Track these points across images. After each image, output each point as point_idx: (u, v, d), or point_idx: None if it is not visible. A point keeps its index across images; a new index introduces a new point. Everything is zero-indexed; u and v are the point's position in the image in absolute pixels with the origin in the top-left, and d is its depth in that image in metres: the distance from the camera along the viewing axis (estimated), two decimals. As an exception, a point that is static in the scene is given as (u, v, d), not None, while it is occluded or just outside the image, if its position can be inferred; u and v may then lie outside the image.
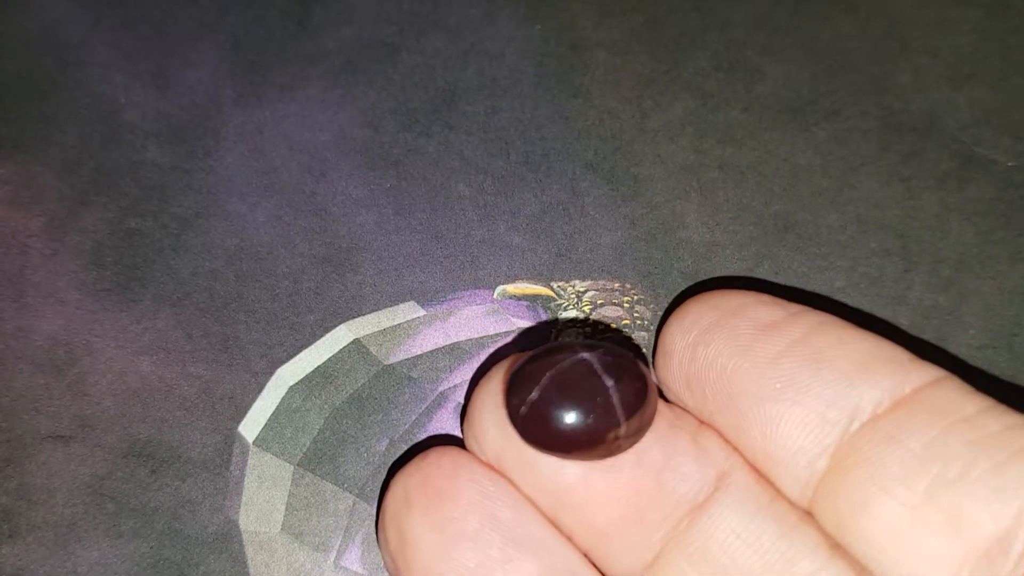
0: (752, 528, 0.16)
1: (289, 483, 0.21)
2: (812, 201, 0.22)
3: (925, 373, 0.16)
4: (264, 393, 0.21)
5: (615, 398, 0.15)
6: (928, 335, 0.21)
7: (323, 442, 0.21)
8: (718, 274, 0.22)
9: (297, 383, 0.21)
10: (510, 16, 0.24)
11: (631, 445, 0.16)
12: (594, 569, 0.16)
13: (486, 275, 0.22)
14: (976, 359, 0.21)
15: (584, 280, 0.22)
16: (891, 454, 0.15)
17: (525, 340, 0.21)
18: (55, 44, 0.24)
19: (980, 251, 0.22)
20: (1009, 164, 0.22)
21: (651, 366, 0.19)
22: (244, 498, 0.21)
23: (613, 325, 0.22)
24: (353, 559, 0.20)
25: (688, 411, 0.17)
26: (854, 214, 0.22)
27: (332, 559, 0.20)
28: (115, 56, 0.24)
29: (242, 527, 0.20)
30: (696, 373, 0.17)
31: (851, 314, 0.21)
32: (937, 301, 0.21)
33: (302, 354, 0.22)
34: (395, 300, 0.22)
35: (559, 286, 0.22)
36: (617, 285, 0.22)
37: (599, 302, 0.22)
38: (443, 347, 0.22)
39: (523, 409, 0.15)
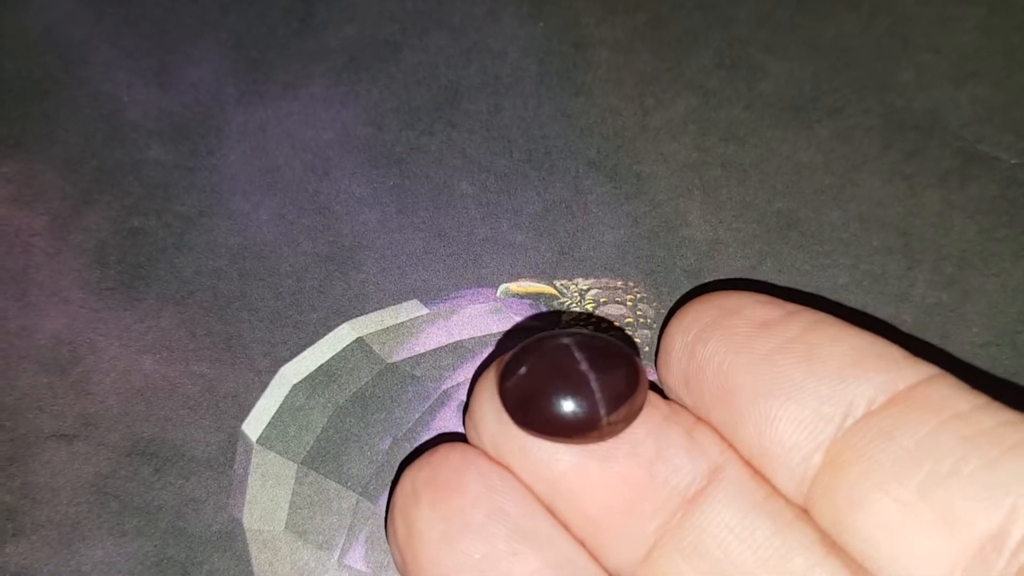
0: (746, 523, 0.16)
1: (293, 481, 0.21)
2: (815, 199, 0.22)
3: (919, 370, 0.16)
4: (267, 391, 0.21)
5: (601, 381, 0.15)
6: (931, 332, 0.21)
7: (326, 440, 0.21)
8: (721, 272, 0.22)
9: (300, 381, 0.21)
10: (513, 14, 0.24)
11: (622, 429, 0.16)
12: (596, 563, 0.17)
13: (489, 273, 0.22)
14: (979, 356, 0.21)
15: (587, 278, 0.22)
16: (884, 451, 0.15)
17: (527, 336, 0.21)
18: (57, 43, 0.24)
19: (983, 248, 0.22)
20: (1012, 162, 0.22)
21: (654, 364, 0.19)
22: (248, 496, 0.21)
23: (616, 323, 0.22)
24: (357, 557, 0.20)
25: (686, 408, 0.17)
26: (856, 212, 0.22)
27: (336, 557, 0.20)
28: (117, 54, 0.24)
29: (246, 525, 0.21)
30: (694, 371, 0.17)
31: (851, 313, 0.21)
32: (940, 298, 0.21)
33: (305, 352, 0.22)
34: (398, 298, 0.22)
35: (562, 284, 0.22)
36: (620, 283, 0.22)
37: (602, 300, 0.22)
38: (446, 345, 0.22)
39: (510, 387, 0.16)
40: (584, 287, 0.22)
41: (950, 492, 0.14)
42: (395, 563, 0.17)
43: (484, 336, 0.22)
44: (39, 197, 0.23)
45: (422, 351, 0.22)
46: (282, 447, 0.21)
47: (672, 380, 0.17)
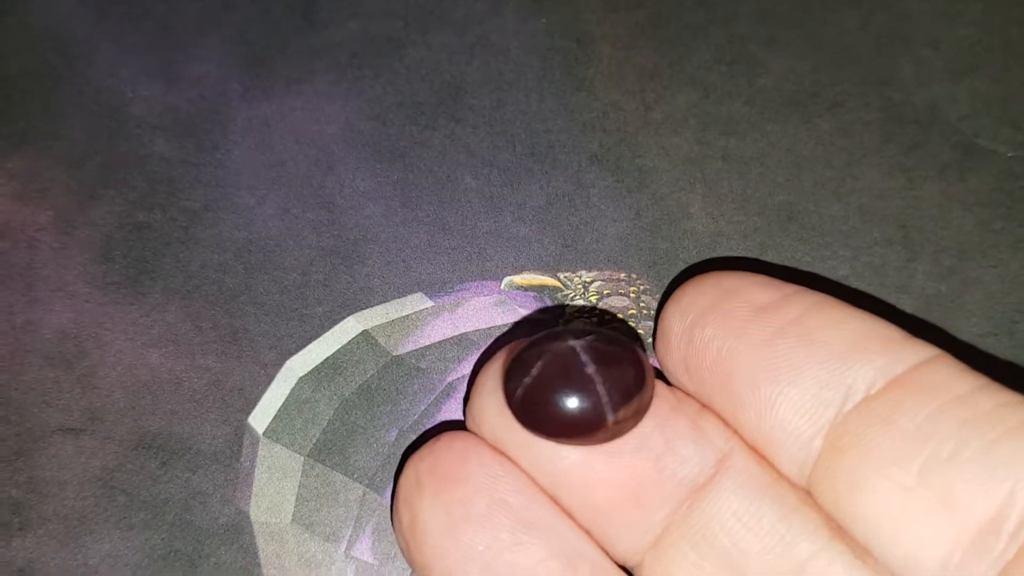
0: (752, 510, 0.16)
1: (299, 474, 0.21)
2: (815, 192, 0.23)
3: (919, 351, 0.16)
4: (274, 385, 0.21)
5: (608, 384, 0.15)
6: (927, 333, 0.21)
7: (333, 433, 0.21)
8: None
9: (306, 374, 0.21)
10: (515, 10, 0.24)
11: (629, 429, 0.16)
12: (602, 551, 0.17)
13: (493, 266, 0.22)
14: (978, 346, 0.21)
15: (590, 270, 0.22)
16: (884, 435, 0.15)
17: (531, 328, 0.22)
18: (61, 39, 0.24)
19: (981, 240, 0.22)
20: (1009, 155, 0.23)
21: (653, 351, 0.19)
22: (254, 489, 0.21)
23: (620, 315, 0.22)
24: (364, 549, 0.20)
25: (688, 394, 0.17)
26: (857, 204, 0.22)
27: (343, 549, 0.20)
28: (121, 51, 0.24)
29: (253, 518, 0.21)
30: (693, 356, 0.17)
31: (851, 294, 0.22)
32: (939, 289, 0.22)
33: (311, 345, 0.22)
34: (403, 291, 0.22)
35: (566, 277, 0.22)
36: (623, 275, 0.22)
37: (605, 292, 0.22)
38: (451, 338, 0.22)
39: (518, 393, 0.15)
40: (588, 279, 0.22)
41: (950, 476, 0.14)
42: (401, 551, 0.17)
43: (489, 328, 0.22)
44: (44, 193, 0.23)
45: (427, 343, 0.22)
46: (288, 440, 0.21)
47: (671, 364, 0.17)
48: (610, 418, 0.15)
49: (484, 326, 0.22)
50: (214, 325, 0.22)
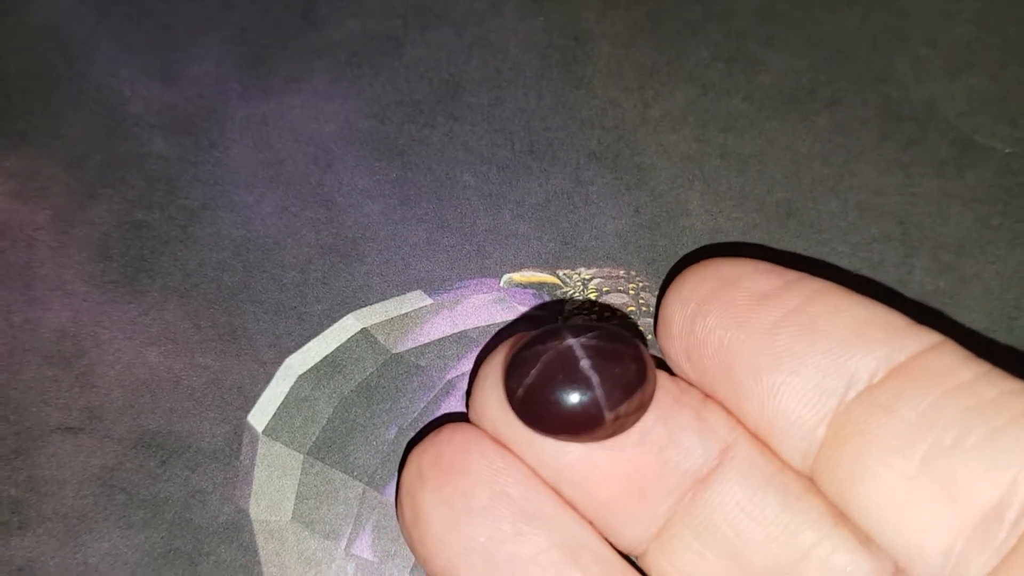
0: (756, 500, 0.16)
1: (299, 472, 0.21)
2: (813, 189, 0.23)
3: (922, 338, 0.16)
4: (273, 383, 0.21)
5: (606, 382, 0.15)
6: (929, 318, 0.21)
7: (332, 431, 0.21)
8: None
9: (306, 372, 0.21)
10: (514, 8, 0.24)
11: (631, 425, 0.16)
12: (605, 542, 0.17)
13: (492, 263, 0.22)
14: (977, 342, 0.21)
15: (590, 268, 0.22)
16: (886, 424, 0.15)
17: (532, 324, 0.22)
18: (61, 38, 0.24)
19: (979, 236, 0.22)
20: (1006, 151, 0.23)
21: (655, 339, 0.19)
22: (254, 487, 0.21)
23: (619, 312, 0.22)
24: (364, 546, 0.20)
25: (691, 383, 0.17)
26: (855, 201, 0.22)
27: (343, 547, 0.20)
28: (120, 50, 0.24)
29: (252, 516, 0.21)
30: (695, 345, 0.17)
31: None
32: (938, 285, 0.22)
33: (310, 344, 0.22)
34: (402, 289, 0.22)
35: (565, 274, 0.22)
36: (622, 272, 0.22)
37: (605, 289, 0.22)
38: (450, 335, 0.22)
39: (519, 393, 0.15)
40: (587, 276, 0.22)
41: (952, 464, 0.14)
42: (406, 542, 0.17)
43: (488, 325, 0.22)
44: (43, 191, 0.23)
45: (427, 341, 0.22)
46: (288, 438, 0.21)
47: (674, 353, 0.17)
48: (609, 416, 0.15)
49: (483, 323, 0.22)
50: (213, 323, 0.22)
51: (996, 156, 0.23)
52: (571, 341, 0.15)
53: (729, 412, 0.17)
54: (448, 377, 0.21)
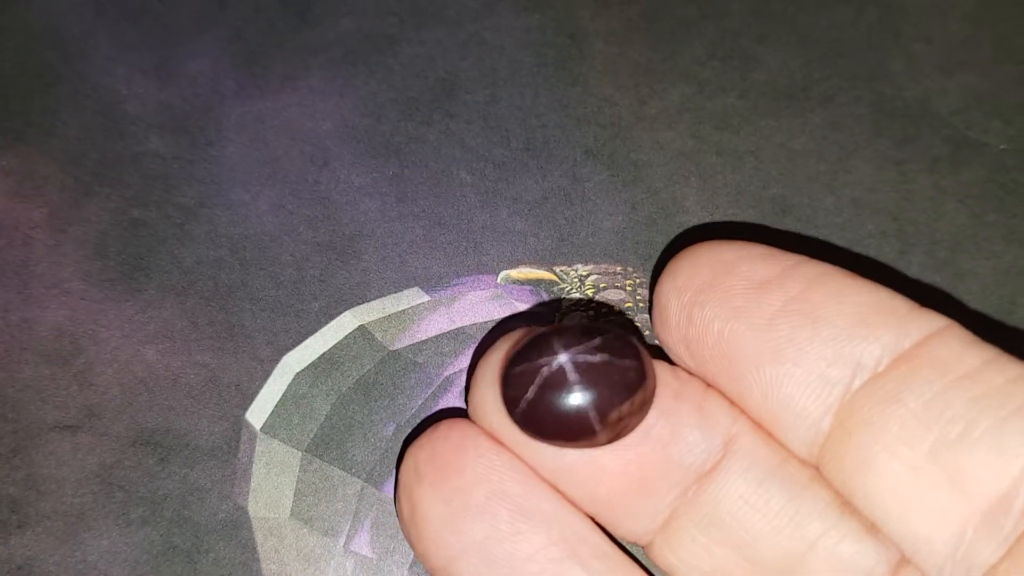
0: (760, 493, 0.16)
1: (297, 469, 0.21)
2: (808, 185, 0.23)
3: (927, 323, 0.15)
4: (270, 380, 0.21)
5: (608, 391, 0.15)
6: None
7: (330, 428, 0.21)
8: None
9: (303, 370, 0.22)
10: (509, 6, 0.24)
11: (634, 427, 0.16)
12: (605, 537, 0.17)
13: (489, 260, 0.22)
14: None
15: (586, 264, 0.22)
16: (893, 414, 0.15)
17: (528, 319, 0.22)
18: (57, 36, 0.24)
19: (974, 232, 0.22)
20: (1000, 147, 0.23)
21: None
22: (253, 485, 0.21)
23: (616, 308, 0.22)
24: (362, 543, 0.20)
25: (691, 372, 0.17)
26: (850, 197, 0.23)
27: (342, 544, 0.20)
28: (117, 48, 0.24)
29: (251, 513, 0.21)
30: (694, 336, 0.16)
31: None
32: (934, 281, 0.22)
33: (308, 341, 0.22)
34: (399, 286, 0.22)
35: (562, 270, 0.22)
36: (619, 269, 0.22)
37: (601, 285, 0.22)
38: (448, 332, 0.22)
39: (517, 411, 0.15)
40: (584, 273, 0.22)
41: (960, 455, 0.14)
42: (406, 539, 0.17)
43: (485, 322, 0.22)
44: (39, 190, 0.23)
45: (424, 338, 0.22)
46: (286, 435, 0.21)
47: (672, 343, 0.17)
48: (608, 425, 0.15)
49: (481, 320, 0.22)
50: (210, 321, 0.22)
51: (990, 152, 0.23)
52: (565, 356, 0.15)
53: (731, 402, 0.17)
54: (446, 373, 0.22)
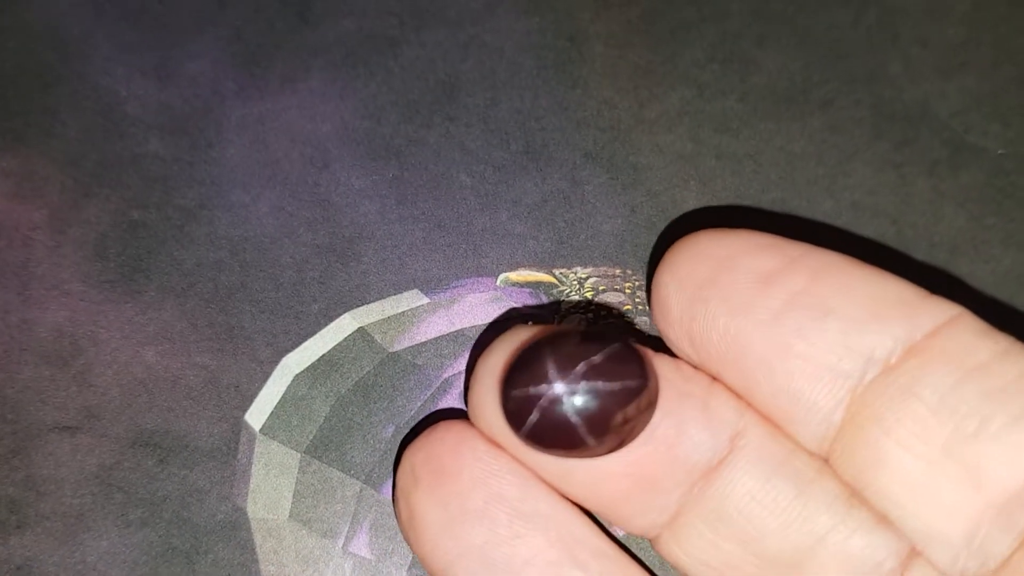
0: (768, 488, 0.16)
1: (296, 470, 0.21)
2: (807, 188, 0.23)
3: (937, 312, 0.15)
4: (270, 382, 0.21)
5: (615, 407, 0.15)
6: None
7: (329, 429, 0.21)
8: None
9: (302, 371, 0.22)
10: (509, 8, 0.25)
11: (640, 431, 0.15)
12: (605, 537, 0.17)
13: (489, 263, 0.22)
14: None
15: (586, 267, 0.22)
16: (907, 408, 0.15)
17: (526, 316, 0.22)
18: (56, 37, 0.24)
19: (973, 236, 0.22)
20: (999, 151, 0.23)
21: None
22: (252, 486, 0.21)
23: (615, 311, 0.22)
24: (361, 545, 0.21)
25: (694, 365, 0.17)
26: (849, 201, 0.23)
27: (340, 545, 0.21)
28: (116, 49, 0.24)
29: (250, 515, 0.21)
30: (698, 332, 0.16)
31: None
32: (932, 285, 0.22)
33: (307, 343, 0.22)
34: (399, 288, 0.22)
35: (561, 273, 0.22)
36: (618, 271, 0.22)
37: (601, 288, 0.22)
38: (447, 334, 0.22)
39: (526, 427, 0.15)
40: (583, 275, 0.22)
41: (976, 451, 0.14)
42: (405, 541, 0.17)
43: (484, 324, 0.22)
44: (39, 191, 0.23)
45: (423, 340, 0.22)
46: (285, 436, 0.21)
47: (675, 337, 0.17)
48: (609, 438, 0.15)
49: (480, 322, 0.22)
50: (210, 323, 0.22)
51: (989, 156, 0.23)
52: (568, 377, 0.15)
53: (738, 395, 0.16)
54: (445, 376, 0.22)
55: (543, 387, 0.15)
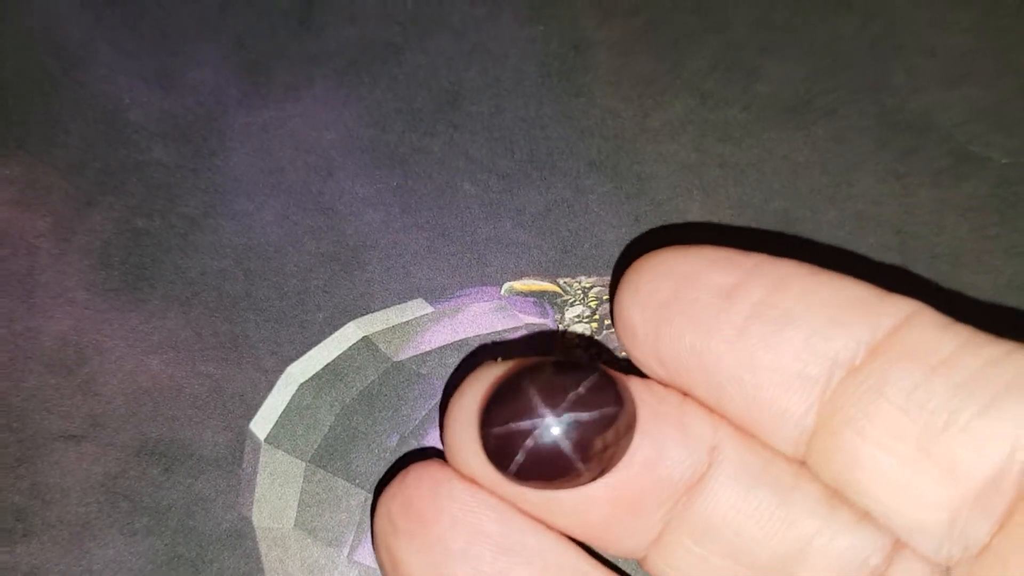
0: (749, 499, 0.16)
1: (301, 479, 0.21)
2: (811, 198, 0.23)
3: (896, 310, 0.15)
4: (275, 391, 0.22)
5: (595, 439, 0.15)
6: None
7: (334, 438, 0.21)
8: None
9: (307, 380, 0.22)
10: (513, 17, 0.24)
11: (620, 458, 0.15)
12: (593, 561, 0.17)
13: (493, 272, 0.22)
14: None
15: (590, 276, 0.22)
16: (876, 409, 0.15)
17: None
18: (58, 45, 0.24)
19: (976, 246, 0.22)
20: (1003, 161, 0.23)
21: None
22: (257, 495, 0.21)
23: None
24: (366, 554, 0.21)
25: (664, 383, 0.17)
26: (852, 211, 0.23)
27: (345, 554, 0.21)
28: (119, 56, 0.24)
29: (255, 524, 0.21)
30: (665, 352, 0.16)
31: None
32: (935, 295, 0.22)
33: (312, 352, 0.22)
34: (403, 297, 0.22)
35: (565, 282, 0.22)
36: (622, 281, 0.22)
37: (605, 297, 0.22)
38: (451, 343, 0.22)
39: (511, 468, 0.15)
40: (587, 285, 0.22)
41: (948, 445, 0.14)
42: None
43: (489, 334, 0.22)
44: (43, 199, 0.23)
45: (428, 349, 0.22)
46: (290, 445, 0.21)
47: (642, 356, 0.17)
48: (591, 469, 0.15)
49: (484, 331, 0.22)
50: (214, 332, 0.22)
51: (992, 166, 0.23)
52: (549, 416, 0.14)
53: (710, 409, 0.16)
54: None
55: (529, 421, 0.15)
